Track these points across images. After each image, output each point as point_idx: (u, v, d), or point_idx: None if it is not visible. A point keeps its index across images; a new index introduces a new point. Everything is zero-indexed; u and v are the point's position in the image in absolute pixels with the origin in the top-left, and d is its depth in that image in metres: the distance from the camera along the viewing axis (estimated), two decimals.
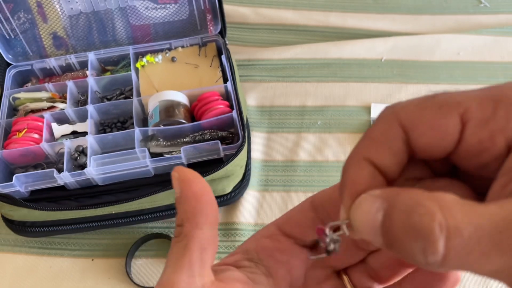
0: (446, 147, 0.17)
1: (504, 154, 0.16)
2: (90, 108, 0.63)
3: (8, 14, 0.65)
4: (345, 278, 0.24)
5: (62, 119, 0.64)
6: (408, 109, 0.18)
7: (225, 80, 0.65)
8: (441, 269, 0.15)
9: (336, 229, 0.19)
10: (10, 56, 0.69)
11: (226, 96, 0.65)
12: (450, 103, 0.17)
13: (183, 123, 0.61)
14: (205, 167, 0.58)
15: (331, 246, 0.19)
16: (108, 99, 0.67)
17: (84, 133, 0.63)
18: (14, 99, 0.65)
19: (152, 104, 0.62)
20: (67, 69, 0.70)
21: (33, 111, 0.65)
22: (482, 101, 0.16)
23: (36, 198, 0.59)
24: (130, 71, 0.67)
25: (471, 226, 0.14)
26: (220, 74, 0.67)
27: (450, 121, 0.17)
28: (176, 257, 0.21)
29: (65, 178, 0.57)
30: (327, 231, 0.19)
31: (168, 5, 0.68)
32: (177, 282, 0.20)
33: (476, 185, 0.19)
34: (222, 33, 0.70)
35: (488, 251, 0.14)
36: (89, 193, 0.60)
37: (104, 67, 0.71)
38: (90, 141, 0.60)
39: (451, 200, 0.15)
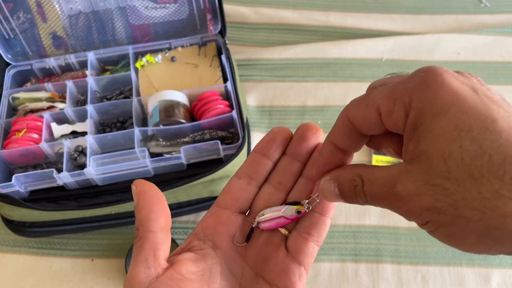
0: (377, 129, 0.26)
1: None
2: (90, 108, 0.63)
3: (8, 14, 0.64)
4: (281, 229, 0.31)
5: (61, 119, 0.64)
6: (351, 108, 0.26)
7: (225, 80, 0.65)
8: (368, 204, 0.26)
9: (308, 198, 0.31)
10: (9, 55, 0.69)
11: (226, 96, 0.65)
12: (371, 102, 0.25)
13: (183, 123, 0.61)
14: (205, 167, 0.58)
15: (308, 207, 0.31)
16: (108, 99, 0.67)
17: (84, 133, 0.63)
18: (14, 99, 0.65)
19: (152, 104, 0.62)
20: (66, 69, 0.70)
21: (32, 111, 0.65)
22: (387, 99, 0.24)
23: (36, 198, 0.59)
24: (130, 70, 0.67)
25: (374, 187, 0.25)
26: (220, 73, 0.67)
27: (372, 114, 0.25)
28: (135, 255, 0.28)
29: (65, 178, 0.57)
30: (305, 201, 0.31)
31: (167, 5, 0.68)
32: (137, 274, 0.27)
33: None
34: (222, 32, 0.70)
35: (379, 200, 0.25)
36: (89, 193, 0.60)
37: (103, 66, 0.71)
38: (89, 141, 0.59)
39: (366, 173, 0.26)
